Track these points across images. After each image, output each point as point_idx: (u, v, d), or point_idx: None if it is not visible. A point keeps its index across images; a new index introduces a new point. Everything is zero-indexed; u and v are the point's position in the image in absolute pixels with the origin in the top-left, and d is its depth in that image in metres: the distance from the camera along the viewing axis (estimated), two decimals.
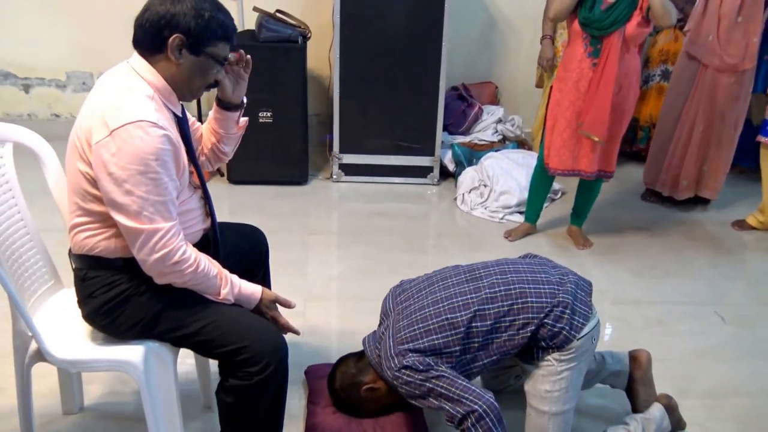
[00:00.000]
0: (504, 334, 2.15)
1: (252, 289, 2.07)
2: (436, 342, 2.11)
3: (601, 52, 3.36)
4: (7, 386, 2.27)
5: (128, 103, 1.80)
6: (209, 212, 2.13)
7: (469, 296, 2.18)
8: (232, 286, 2.01)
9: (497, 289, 2.18)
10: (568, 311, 2.14)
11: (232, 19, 1.94)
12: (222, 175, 4.62)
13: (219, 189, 4.49)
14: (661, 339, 3.07)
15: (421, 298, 2.25)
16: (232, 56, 2.08)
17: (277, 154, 4.51)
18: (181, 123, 2.00)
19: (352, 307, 3.23)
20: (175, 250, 1.84)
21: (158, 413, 2.04)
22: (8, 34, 4.86)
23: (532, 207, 3.96)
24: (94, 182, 1.84)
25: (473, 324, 2.13)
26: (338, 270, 3.58)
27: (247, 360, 1.92)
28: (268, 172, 4.54)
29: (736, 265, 3.84)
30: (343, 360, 2.43)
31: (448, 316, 2.14)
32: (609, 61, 3.34)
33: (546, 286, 2.19)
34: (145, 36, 1.87)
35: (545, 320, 2.13)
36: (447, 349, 2.12)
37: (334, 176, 4.68)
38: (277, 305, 2.16)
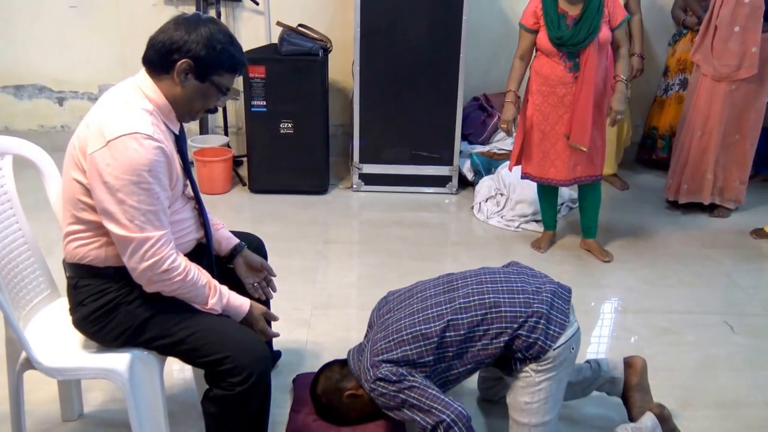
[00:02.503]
0: (478, 344, 2.17)
1: (240, 301, 2.12)
2: (409, 353, 2.14)
3: (580, 64, 3.42)
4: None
5: (125, 116, 1.88)
6: (203, 222, 2.19)
7: (443, 307, 2.20)
8: (221, 296, 2.06)
9: (471, 299, 2.20)
10: (543, 321, 2.15)
11: (242, 53, 2.02)
12: (244, 184, 4.73)
13: (241, 198, 4.61)
14: (667, 349, 3.06)
15: (400, 310, 2.28)
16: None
17: (297, 164, 4.60)
18: (179, 141, 2.07)
19: (356, 315, 3.28)
20: (164, 259, 1.90)
21: (143, 421, 2.08)
22: (43, 49, 5.05)
23: (547, 215, 3.99)
24: (87, 191, 1.91)
25: (446, 334, 2.15)
26: (349, 278, 3.63)
27: (230, 370, 1.95)
28: (289, 182, 4.64)
29: (751, 274, 3.79)
30: (327, 366, 2.45)
31: (421, 327, 2.16)
32: (587, 70, 3.40)
33: (521, 296, 2.20)
34: (155, 55, 1.95)
35: (519, 331, 2.14)
36: (420, 359, 2.14)
37: (355, 186, 4.75)
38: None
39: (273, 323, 2.28)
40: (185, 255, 2.08)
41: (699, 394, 2.77)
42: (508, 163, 4.60)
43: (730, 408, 2.70)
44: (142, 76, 1.99)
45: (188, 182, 2.13)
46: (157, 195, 1.88)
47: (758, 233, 4.20)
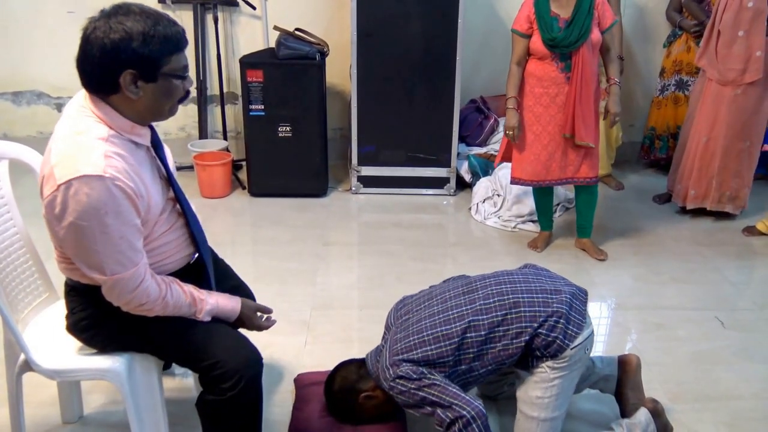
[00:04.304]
0: (498, 344, 2.21)
1: (231, 305, 2.11)
2: (429, 353, 2.18)
3: (572, 65, 3.49)
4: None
5: (75, 153, 1.74)
6: (193, 235, 2.10)
7: (464, 308, 2.24)
8: (210, 309, 2.04)
9: (491, 300, 2.24)
10: (562, 321, 2.19)
11: (174, 25, 1.81)
12: (244, 188, 4.78)
13: (240, 202, 4.66)
14: (659, 344, 3.11)
15: (419, 311, 2.33)
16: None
17: (296, 167, 4.65)
18: (156, 148, 1.98)
19: (355, 315, 3.32)
20: (139, 295, 1.86)
21: (143, 421, 2.12)
22: (41, 55, 5.07)
23: (543, 216, 4.04)
24: None
25: (467, 334, 2.19)
26: (348, 280, 3.68)
27: (220, 376, 1.95)
28: (288, 185, 4.69)
29: (742, 271, 3.85)
30: (344, 365, 2.48)
31: (443, 327, 2.21)
32: (584, 71, 3.47)
33: (540, 296, 2.25)
34: (92, 81, 1.79)
35: (539, 330, 2.18)
36: (440, 359, 2.18)
37: (353, 188, 4.81)
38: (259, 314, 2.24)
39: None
40: (178, 270, 2.06)
41: (690, 388, 2.82)
42: (504, 163, 4.67)
43: (721, 401, 2.75)
44: (90, 99, 1.82)
45: (173, 195, 2.02)
46: (121, 234, 1.78)
47: (750, 230, 4.25)
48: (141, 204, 1.82)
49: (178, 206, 2.05)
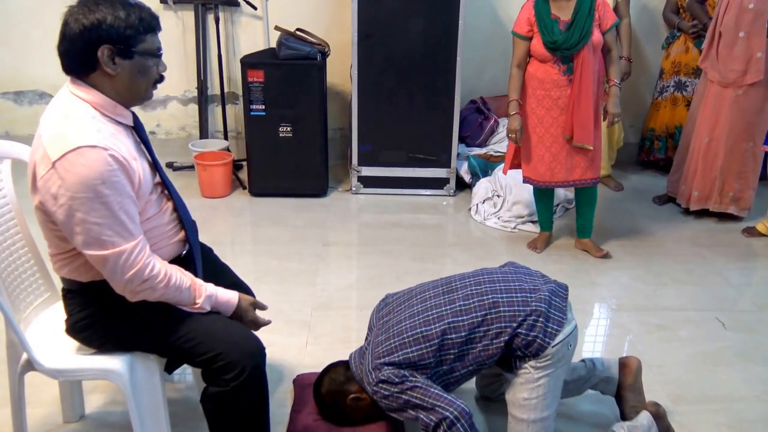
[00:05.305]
0: (479, 345, 2.20)
1: (228, 296, 2.12)
2: (410, 355, 2.17)
3: (574, 68, 3.49)
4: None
5: (65, 130, 1.81)
6: (181, 221, 2.12)
7: (443, 308, 2.24)
8: (208, 296, 2.05)
9: (471, 300, 2.24)
10: (541, 319, 2.19)
11: (149, 10, 1.92)
12: (244, 188, 4.79)
13: (240, 201, 4.66)
14: (659, 345, 3.11)
15: (399, 312, 2.32)
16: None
17: (296, 167, 4.65)
18: (138, 131, 2.01)
19: (355, 315, 3.33)
20: (142, 269, 1.87)
21: (145, 421, 2.12)
22: (43, 55, 5.05)
23: (543, 216, 4.04)
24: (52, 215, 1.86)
25: (447, 336, 2.19)
26: (348, 280, 3.68)
27: (223, 367, 1.96)
28: (288, 185, 4.69)
29: (742, 272, 3.85)
30: (332, 367, 2.47)
31: (423, 329, 2.20)
32: (584, 73, 3.47)
33: (519, 295, 2.24)
34: (73, 61, 1.89)
35: (518, 330, 2.18)
36: (422, 361, 2.18)
37: (353, 188, 4.81)
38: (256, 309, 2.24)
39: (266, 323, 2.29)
40: (170, 259, 2.07)
41: (691, 390, 2.82)
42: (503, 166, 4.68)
43: (722, 402, 2.75)
44: (73, 83, 1.92)
45: (160, 180, 2.05)
46: (120, 204, 1.82)
47: (750, 231, 4.26)
48: (134, 177, 1.88)
49: (165, 192, 2.08)
